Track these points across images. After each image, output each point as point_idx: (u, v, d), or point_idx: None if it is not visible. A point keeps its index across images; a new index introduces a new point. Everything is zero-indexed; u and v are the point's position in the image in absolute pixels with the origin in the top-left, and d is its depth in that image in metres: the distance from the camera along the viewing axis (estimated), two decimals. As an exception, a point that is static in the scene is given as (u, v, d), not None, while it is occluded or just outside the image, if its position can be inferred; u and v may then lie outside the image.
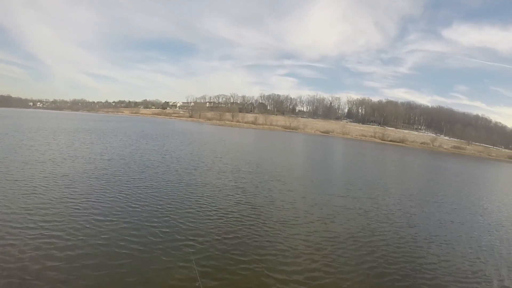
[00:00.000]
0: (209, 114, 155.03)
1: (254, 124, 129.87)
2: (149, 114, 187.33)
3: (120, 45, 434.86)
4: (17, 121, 58.47)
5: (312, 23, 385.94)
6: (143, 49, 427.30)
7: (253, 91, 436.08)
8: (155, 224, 9.93)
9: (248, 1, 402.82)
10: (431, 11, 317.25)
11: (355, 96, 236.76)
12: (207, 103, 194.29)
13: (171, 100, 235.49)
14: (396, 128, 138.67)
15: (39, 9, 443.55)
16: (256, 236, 9.75)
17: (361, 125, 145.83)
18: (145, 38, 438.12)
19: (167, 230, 9.57)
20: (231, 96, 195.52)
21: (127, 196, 12.79)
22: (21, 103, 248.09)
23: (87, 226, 9.33)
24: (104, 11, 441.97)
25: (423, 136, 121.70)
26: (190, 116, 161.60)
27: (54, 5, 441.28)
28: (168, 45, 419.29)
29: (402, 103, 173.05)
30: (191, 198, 13.33)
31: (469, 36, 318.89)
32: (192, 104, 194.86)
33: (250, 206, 12.91)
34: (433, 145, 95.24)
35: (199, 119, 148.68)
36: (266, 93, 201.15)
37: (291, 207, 13.37)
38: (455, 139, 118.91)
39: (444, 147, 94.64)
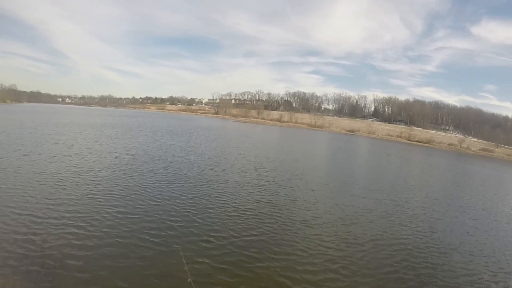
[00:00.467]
0: (235, 111, 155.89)
1: (279, 121, 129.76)
2: (175, 110, 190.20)
3: (145, 42, 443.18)
4: (46, 116, 60.93)
5: (337, 18, 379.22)
6: (167, 45, 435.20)
7: (278, 88, 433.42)
8: (175, 219, 10.27)
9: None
10: (459, 7, 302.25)
11: (381, 94, 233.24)
12: (233, 100, 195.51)
13: (196, 97, 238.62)
14: (423, 128, 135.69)
15: (65, 6, 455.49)
16: (273, 235, 9.89)
17: (387, 124, 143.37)
18: (169, 35, 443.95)
19: (186, 225, 9.89)
20: (257, 93, 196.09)
21: (149, 191, 13.22)
22: (51, 98, 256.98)
23: (109, 218, 9.78)
24: (129, 8, 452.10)
25: (450, 137, 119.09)
26: (216, 113, 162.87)
27: (80, 2, 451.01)
28: (192, 42, 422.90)
29: (430, 103, 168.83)
30: (211, 195, 13.61)
31: (498, 33, 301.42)
32: (218, 100, 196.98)
33: (270, 205, 13.04)
34: (460, 147, 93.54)
35: (225, 116, 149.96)
36: (291, 91, 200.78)
37: (312, 206, 13.44)
38: (484, 141, 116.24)
39: (472, 149, 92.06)
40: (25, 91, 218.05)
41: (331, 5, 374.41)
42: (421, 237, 11.20)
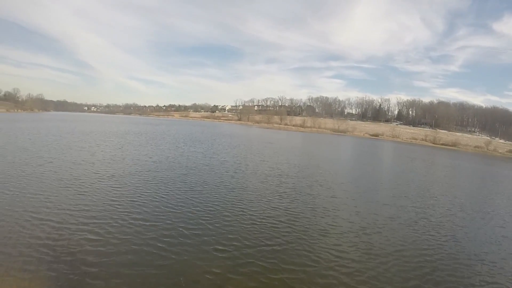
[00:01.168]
0: (257, 117, 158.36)
1: (302, 127, 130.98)
2: (199, 118, 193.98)
3: (167, 51, 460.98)
4: (71, 124, 63.29)
5: (356, 22, 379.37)
6: (189, 54, 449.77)
7: (300, 94, 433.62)
8: (191, 227, 10.29)
9: (290, 3, 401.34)
10: (478, 3, 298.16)
11: (405, 97, 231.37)
12: (255, 106, 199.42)
13: (219, 104, 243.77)
14: (449, 130, 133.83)
15: (90, 19, 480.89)
16: (290, 245, 9.67)
17: (411, 127, 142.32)
18: (191, 44, 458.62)
19: (201, 233, 9.89)
20: (279, 99, 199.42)
21: (169, 198, 13.38)
22: (76, 107, 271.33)
23: (126, 225, 9.93)
24: (151, 19, 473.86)
25: (476, 139, 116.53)
26: (239, 119, 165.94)
27: (103, 14, 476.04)
28: (213, 50, 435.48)
29: (454, 104, 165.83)
30: (229, 202, 13.59)
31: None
32: (241, 107, 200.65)
33: (289, 212, 12.87)
34: (487, 149, 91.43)
35: (248, 122, 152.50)
36: (314, 96, 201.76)
37: (333, 214, 13.14)
38: (511, 142, 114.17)
39: (499, 151, 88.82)
40: (51, 100, 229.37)
41: (349, 9, 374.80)
42: (446, 247, 10.68)
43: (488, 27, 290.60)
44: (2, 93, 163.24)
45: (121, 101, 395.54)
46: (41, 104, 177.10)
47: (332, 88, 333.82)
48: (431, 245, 10.75)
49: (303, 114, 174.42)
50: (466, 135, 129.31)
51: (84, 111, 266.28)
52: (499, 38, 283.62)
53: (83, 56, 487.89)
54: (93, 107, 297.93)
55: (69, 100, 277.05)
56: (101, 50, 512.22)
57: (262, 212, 12.56)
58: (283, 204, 13.93)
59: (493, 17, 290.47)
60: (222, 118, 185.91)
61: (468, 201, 19.06)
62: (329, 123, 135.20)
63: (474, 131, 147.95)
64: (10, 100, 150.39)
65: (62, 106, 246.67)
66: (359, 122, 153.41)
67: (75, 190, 13.53)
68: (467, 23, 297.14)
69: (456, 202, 18.28)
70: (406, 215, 14.17)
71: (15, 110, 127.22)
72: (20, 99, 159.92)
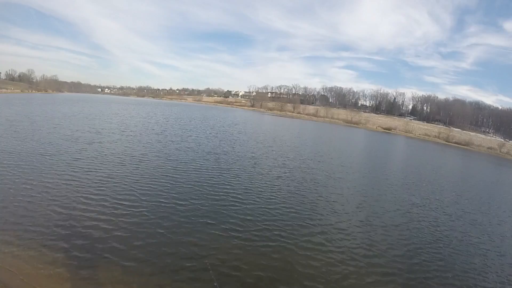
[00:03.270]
0: (271, 104, 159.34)
1: (315, 116, 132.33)
2: (212, 102, 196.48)
3: (181, 36, 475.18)
4: (87, 105, 66.56)
5: (365, 13, 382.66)
6: (203, 40, 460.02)
7: (314, 83, 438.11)
8: (202, 221, 10.47)
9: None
10: (487, 1, 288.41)
11: (419, 92, 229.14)
12: (269, 93, 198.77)
13: (232, 89, 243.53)
14: (462, 129, 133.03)
15: (105, 5, 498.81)
16: (304, 243, 9.75)
17: (425, 123, 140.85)
18: (204, 30, 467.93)
19: (214, 227, 10.04)
20: (293, 87, 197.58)
21: (182, 190, 13.56)
22: (90, 88, 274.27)
23: (141, 218, 10.15)
24: (165, 5, 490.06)
25: (490, 140, 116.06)
26: (252, 106, 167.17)
27: (119, 0, 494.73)
28: (226, 37, 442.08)
29: (470, 103, 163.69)
30: (239, 196, 13.62)
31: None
32: (254, 93, 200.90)
33: (304, 209, 12.97)
34: (500, 151, 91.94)
35: (260, 109, 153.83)
36: (328, 85, 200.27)
37: (341, 210, 13.63)
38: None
39: None
40: (66, 82, 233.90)
41: (357, 0, 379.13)
42: (463, 255, 10.79)
43: (498, 26, 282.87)
44: (17, 74, 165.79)
45: (134, 84, 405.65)
46: (55, 85, 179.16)
47: (344, 79, 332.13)
48: (439, 255, 11.16)
49: (317, 103, 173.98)
50: (479, 135, 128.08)
51: (97, 93, 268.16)
52: (511, 37, 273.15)
53: (98, 39, 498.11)
54: (106, 89, 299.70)
55: (83, 82, 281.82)
56: (116, 34, 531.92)
57: (276, 209, 12.81)
58: (298, 199, 14.48)
59: (503, 15, 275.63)
60: (235, 103, 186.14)
61: (486, 207, 18.95)
62: (342, 114, 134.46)
63: (488, 132, 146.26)
64: (24, 81, 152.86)
65: (76, 87, 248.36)
66: (372, 114, 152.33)
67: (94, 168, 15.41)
68: (478, 20, 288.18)
69: (467, 208, 18.92)
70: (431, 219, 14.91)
71: (29, 91, 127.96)
72: (34, 80, 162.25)
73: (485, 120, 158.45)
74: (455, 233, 13.01)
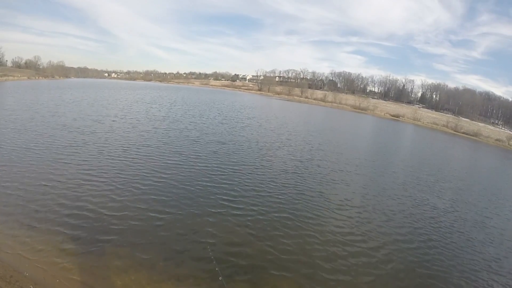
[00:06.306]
0: (278, 89, 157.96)
1: (322, 101, 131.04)
2: (219, 86, 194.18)
3: (189, 20, 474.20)
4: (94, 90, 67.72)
5: None
6: (211, 23, 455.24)
7: (322, 68, 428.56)
8: (207, 217, 10.59)
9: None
10: None
11: (429, 80, 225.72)
12: (277, 77, 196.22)
13: (240, 73, 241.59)
14: (471, 119, 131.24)
15: None
16: (308, 238, 9.95)
17: (433, 112, 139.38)
18: (212, 13, 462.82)
19: (219, 223, 10.25)
20: (301, 71, 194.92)
21: (187, 183, 13.84)
22: (97, 73, 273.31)
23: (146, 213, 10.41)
24: None
25: (499, 132, 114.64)
26: (259, 90, 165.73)
27: None
28: (234, 20, 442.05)
29: (480, 93, 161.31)
30: (245, 189, 13.86)
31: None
32: (262, 77, 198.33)
33: (309, 202, 13.28)
34: (508, 144, 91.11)
35: (268, 93, 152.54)
36: (336, 70, 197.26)
37: (350, 203, 14.08)
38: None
39: None
40: (72, 67, 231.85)
41: None
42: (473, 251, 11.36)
43: (511, 15, 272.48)
44: (23, 61, 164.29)
45: (142, 68, 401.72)
46: (62, 71, 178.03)
47: (353, 64, 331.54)
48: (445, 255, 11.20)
49: (325, 88, 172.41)
50: (489, 126, 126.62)
51: (104, 77, 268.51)
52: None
53: (106, 24, 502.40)
54: (113, 74, 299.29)
55: (89, 67, 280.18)
56: (123, 18, 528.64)
57: (281, 202, 13.11)
58: (305, 193, 14.83)
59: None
60: (242, 87, 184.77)
61: (493, 202, 19.71)
62: (350, 99, 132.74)
63: (497, 124, 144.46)
64: (31, 68, 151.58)
65: (83, 72, 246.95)
66: (380, 101, 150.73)
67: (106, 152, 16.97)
68: (489, 9, 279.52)
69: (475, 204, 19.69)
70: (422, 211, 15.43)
71: (36, 77, 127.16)
72: (41, 67, 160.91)
73: (494, 111, 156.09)
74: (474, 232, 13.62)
